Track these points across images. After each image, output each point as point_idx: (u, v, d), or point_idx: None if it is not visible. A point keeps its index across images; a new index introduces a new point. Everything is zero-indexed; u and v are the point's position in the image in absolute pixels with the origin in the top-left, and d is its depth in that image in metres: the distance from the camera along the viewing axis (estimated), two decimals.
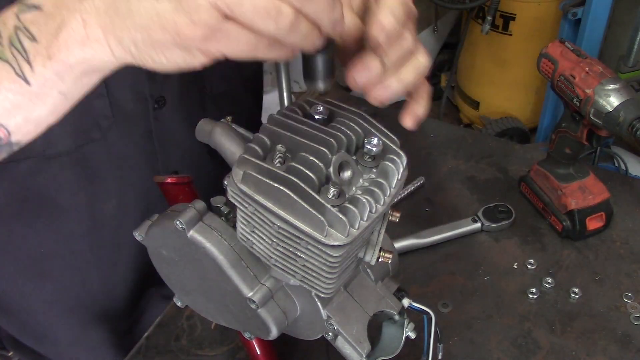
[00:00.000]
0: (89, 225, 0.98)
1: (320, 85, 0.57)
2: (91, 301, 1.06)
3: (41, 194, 0.93)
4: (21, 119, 0.53)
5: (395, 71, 0.57)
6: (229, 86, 1.06)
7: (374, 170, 0.59)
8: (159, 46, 0.47)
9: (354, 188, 0.58)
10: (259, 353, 0.84)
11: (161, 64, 0.48)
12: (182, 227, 0.62)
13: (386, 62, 0.55)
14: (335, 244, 0.54)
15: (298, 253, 0.57)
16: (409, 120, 0.62)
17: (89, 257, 1.01)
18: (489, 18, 2.38)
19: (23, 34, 0.50)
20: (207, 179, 1.06)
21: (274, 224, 0.56)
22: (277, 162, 0.56)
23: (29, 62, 0.50)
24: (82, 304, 1.05)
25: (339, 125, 0.58)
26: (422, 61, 0.58)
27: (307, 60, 0.55)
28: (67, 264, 1.01)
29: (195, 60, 0.48)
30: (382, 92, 0.57)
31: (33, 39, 0.50)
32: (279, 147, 0.56)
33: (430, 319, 0.70)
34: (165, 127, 0.98)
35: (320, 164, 0.55)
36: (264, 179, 0.54)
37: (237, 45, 0.46)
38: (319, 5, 0.46)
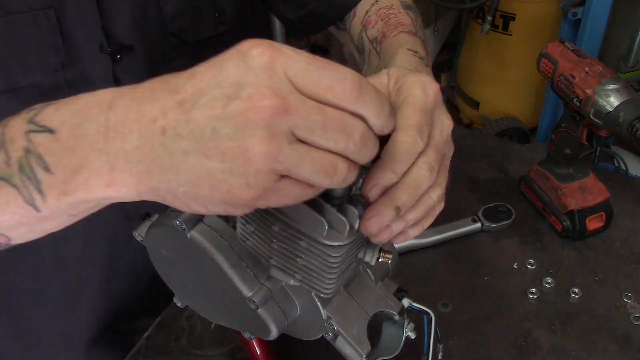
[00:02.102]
0: (52, 265, 0.96)
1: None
2: (51, 340, 1.03)
3: None
4: (25, 231, 0.51)
5: (404, 214, 0.52)
6: None
7: None
8: (201, 200, 0.43)
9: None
10: (259, 353, 0.84)
11: (197, 211, 0.45)
12: (182, 227, 0.62)
13: (400, 207, 0.50)
14: (335, 244, 0.54)
15: (298, 253, 0.57)
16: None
17: (50, 294, 0.98)
18: (489, 18, 2.38)
19: (35, 161, 0.45)
20: None
21: (273, 224, 0.56)
22: None
23: (40, 192, 0.46)
24: (45, 342, 1.03)
25: None
26: (433, 198, 0.53)
27: None
28: (33, 301, 0.99)
29: (238, 212, 0.45)
30: (384, 235, 0.53)
31: (47, 169, 0.45)
32: None
33: (430, 319, 0.70)
34: None
35: None
36: None
37: (284, 200, 0.44)
38: (367, 150, 0.44)
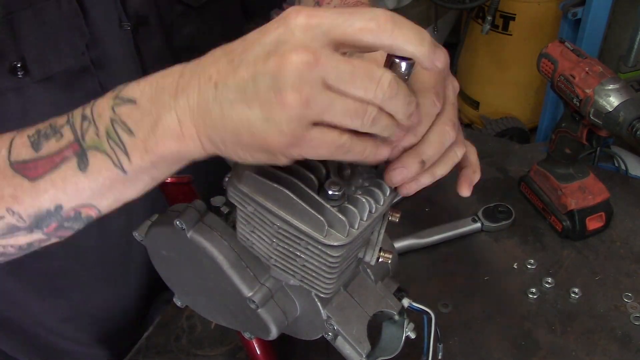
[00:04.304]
0: (97, 241, 0.98)
1: None
2: (103, 317, 1.05)
3: None
4: (112, 201, 0.56)
5: (430, 168, 0.57)
6: None
7: (374, 170, 0.59)
8: (245, 147, 0.50)
9: (353, 188, 0.58)
10: (259, 353, 0.84)
11: (245, 160, 0.51)
12: (182, 227, 0.62)
13: (425, 161, 0.55)
14: (335, 244, 0.54)
15: (298, 253, 0.57)
16: (466, 189, 0.61)
17: (98, 273, 1.00)
18: (489, 18, 2.38)
19: (120, 127, 0.52)
20: (207, 179, 1.06)
21: (273, 224, 0.56)
22: None
23: (127, 154, 0.53)
24: (94, 320, 1.05)
25: None
26: (458, 154, 0.58)
27: None
28: (78, 280, 1.00)
29: (278, 160, 0.50)
30: (413, 186, 0.57)
31: (130, 132, 0.52)
32: None
33: (430, 319, 0.70)
34: None
35: (320, 164, 0.55)
36: (264, 179, 0.54)
37: (317, 149, 0.49)
38: (398, 101, 0.48)
